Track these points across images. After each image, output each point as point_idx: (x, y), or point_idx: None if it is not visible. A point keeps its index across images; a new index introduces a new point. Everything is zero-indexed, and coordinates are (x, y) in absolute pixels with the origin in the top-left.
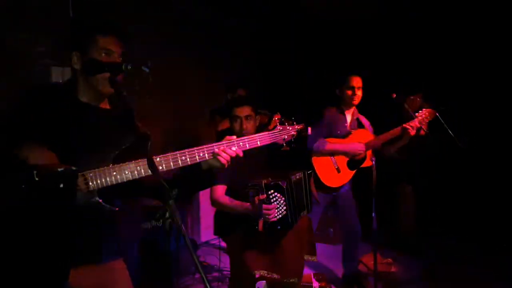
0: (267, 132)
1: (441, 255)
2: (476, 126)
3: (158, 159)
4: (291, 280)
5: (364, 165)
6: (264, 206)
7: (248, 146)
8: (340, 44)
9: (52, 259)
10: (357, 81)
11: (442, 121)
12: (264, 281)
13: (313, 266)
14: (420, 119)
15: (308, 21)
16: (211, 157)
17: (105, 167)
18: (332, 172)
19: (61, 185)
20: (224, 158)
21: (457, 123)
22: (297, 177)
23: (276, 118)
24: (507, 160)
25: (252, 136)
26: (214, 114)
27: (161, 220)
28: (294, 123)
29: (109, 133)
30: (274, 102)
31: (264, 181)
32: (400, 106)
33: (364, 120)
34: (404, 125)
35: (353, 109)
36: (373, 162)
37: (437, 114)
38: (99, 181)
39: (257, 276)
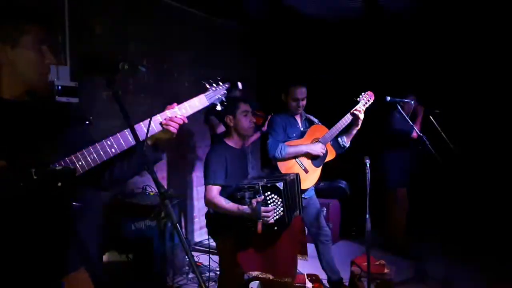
0: (203, 94)
1: (434, 258)
2: (470, 128)
3: (109, 142)
4: (285, 280)
5: (328, 159)
6: (263, 208)
7: (190, 110)
8: (333, 45)
9: (49, 259)
10: (301, 92)
11: (435, 124)
12: (258, 281)
13: (306, 266)
14: (364, 102)
15: (301, 22)
16: (160, 128)
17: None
18: (301, 174)
19: (59, 184)
20: (173, 127)
21: (450, 126)
22: (291, 177)
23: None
24: (501, 162)
25: (191, 100)
26: (208, 116)
27: (154, 220)
28: (220, 83)
29: (43, 127)
30: (269, 103)
31: (260, 183)
32: (393, 108)
33: (312, 118)
34: (351, 111)
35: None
36: (367, 164)
37: (430, 116)
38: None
39: (250, 276)
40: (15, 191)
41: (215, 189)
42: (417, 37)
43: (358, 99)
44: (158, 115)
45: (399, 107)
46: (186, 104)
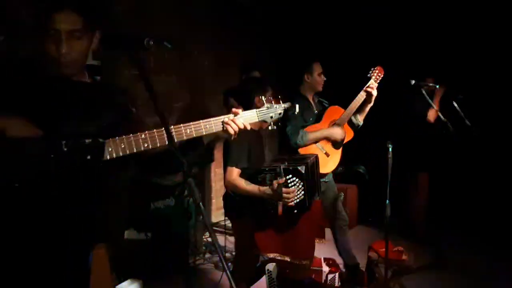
0: (255, 110)
1: (452, 245)
2: (493, 115)
3: (143, 136)
4: (303, 262)
5: (346, 140)
6: (284, 190)
7: (246, 122)
8: (354, 28)
9: (77, 231)
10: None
11: (458, 109)
12: (274, 263)
13: (323, 250)
14: (374, 79)
15: (322, 4)
16: (219, 129)
17: (120, 138)
18: (323, 158)
19: (88, 157)
20: (233, 129)
21: (474, 111)
22: (312, 160)
23: (262, 97)
24: None
25: (249, 112)
26: (227, 97)
27: (172, 199)
28: (281, 101)
29: (86, 107)
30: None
31: (282, 166)
32: (417, 92)
33: (324, 101)
34: (364, 88)
35: (313, 93)
36: (390, 149)
37: (454, 102)
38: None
39: (267, 258)
40: (46, 162)
41: (236, 171)
42: (440, 20)
43: (369, 75)
44: (221, 116)
45: (423, 91)
46: (244, 114)
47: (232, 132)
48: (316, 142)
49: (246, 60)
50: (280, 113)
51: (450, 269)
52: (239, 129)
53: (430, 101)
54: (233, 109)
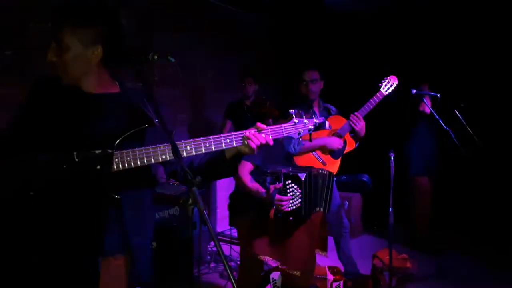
0: (283, 125)
1: (457, 253)
2: (495, 122)
3: (180, 144)
4: (293, 273)
5: (347, 150)
6: (278, 196)
7: (272, 136)
8: (355, 37)
9: (86, 237)
10: (309, 75)
11: (460, 117)
12: (279, 272)
13: (328, 259)
14: (385, 88)
15: (324, 13)
16: (240, 143)
17: (132, 150)
18: (319, 167)
19: (98, 167)
20: (254, 143)
21: (476, 119)
22: (320, 171)
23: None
24: None
25: (274, 126)
26: (225, 117)
27: (183, 207)
28: (313, 116)
29: (109, 119)
30: (291, 97)
31: (283, 170)
32: (419, 101)
33: (330, 107)
34: (374, 97)
35: (317, 100)
36: (392, 157)
37: (455, 110)
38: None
39: (263, 259)
40: (59, 173)
41: (248, 166)
42: (442, 28)
43: (380, 84)
44: (244, 131)
45: (424, 100)
46: (269, 129)
47: (254, 146)
48: (312, 150)
49: (245, 71)
50: (310, 129)
51: (453, 277)
52: (261, 144)
53: (432, 110)
54: (258, 124)
